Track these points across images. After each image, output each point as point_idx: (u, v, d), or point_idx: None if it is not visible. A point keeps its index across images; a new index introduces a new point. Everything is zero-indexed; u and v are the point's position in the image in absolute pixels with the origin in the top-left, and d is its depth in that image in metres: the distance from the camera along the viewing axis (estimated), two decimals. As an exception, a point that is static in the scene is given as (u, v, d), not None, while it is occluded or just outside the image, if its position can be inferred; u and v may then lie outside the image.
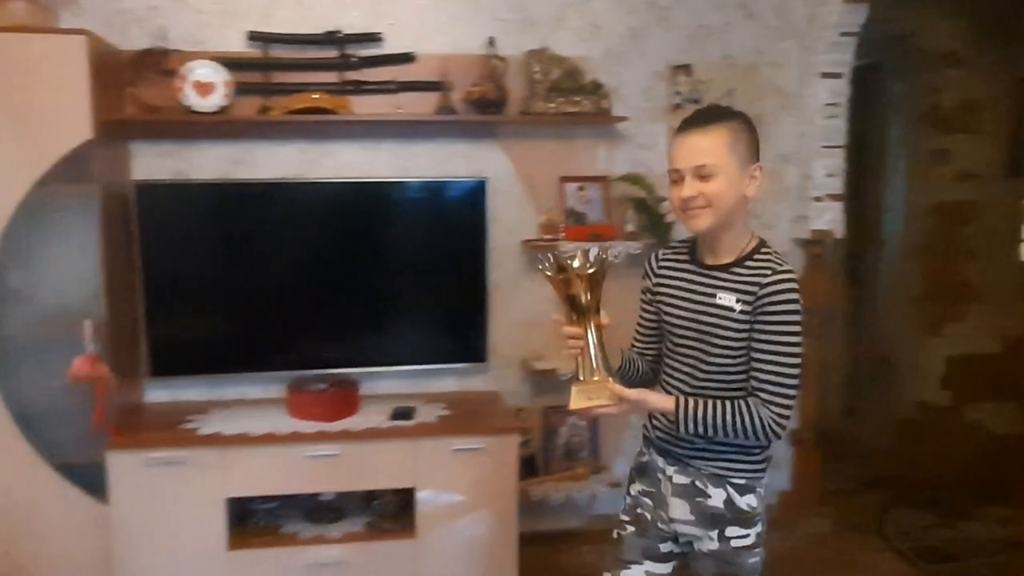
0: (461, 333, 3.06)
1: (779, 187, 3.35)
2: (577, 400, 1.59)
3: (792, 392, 1.57)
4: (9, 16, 2.53)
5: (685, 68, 3.20)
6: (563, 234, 3.03)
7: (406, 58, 2.99)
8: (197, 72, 2.72)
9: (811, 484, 3.49)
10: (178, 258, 2.84)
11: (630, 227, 3.15)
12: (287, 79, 2.92)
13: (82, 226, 2.64)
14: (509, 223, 3.13)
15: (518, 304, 3.19)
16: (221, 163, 2.97)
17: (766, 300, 1.55)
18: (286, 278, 2.92)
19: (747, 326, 1.58)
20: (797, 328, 1.56)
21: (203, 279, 2.89)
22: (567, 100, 2.97)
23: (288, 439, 2.66)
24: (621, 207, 3.17)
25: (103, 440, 2.59)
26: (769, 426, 1.56)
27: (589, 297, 1.57)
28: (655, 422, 1.78)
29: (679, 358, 1.71)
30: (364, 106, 2.96)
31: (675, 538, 1.78)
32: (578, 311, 1.59)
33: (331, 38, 2.93)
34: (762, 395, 1.57)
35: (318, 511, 2.87)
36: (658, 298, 1.76)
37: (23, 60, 2.49)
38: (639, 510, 1.82)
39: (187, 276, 2.85)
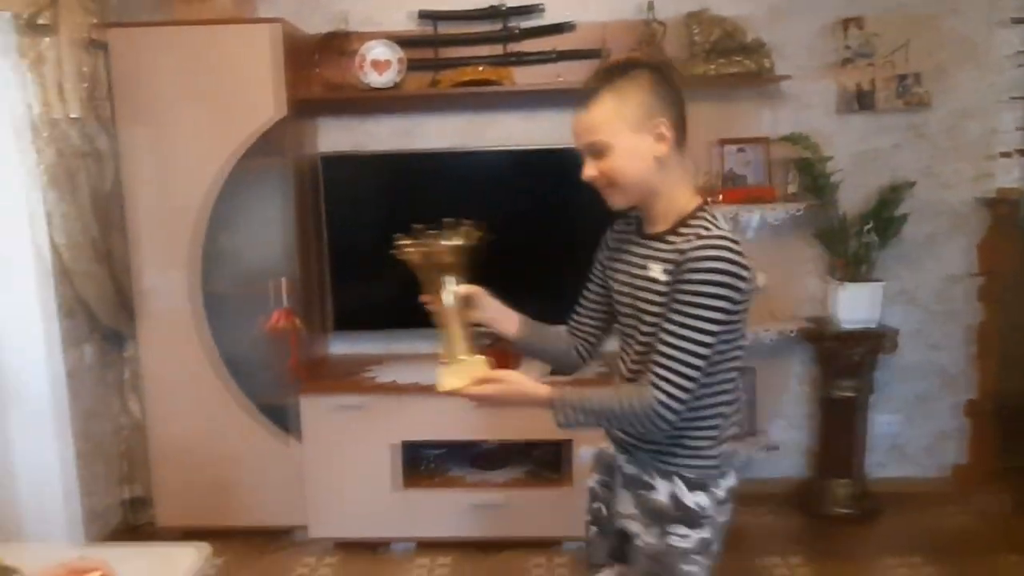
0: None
1: (959, 143, 3.14)
2: (444, 381, 1.48)
3: (686, 378, 1.34)
4: (215, 10, 2.87)
5: (856, 20, 3.06)
6: (720, 197, 3.02)
7: (566, 27, 3.08)
8: (374, 51, 2.95)
9: (987, 459, 3.30)
10: (358, 223, 3.12)
11: (792, 189, 3.08)
12: (454, 54, 3.09)
13: (276, 195, 2.97)
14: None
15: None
16: (395, 134, 3.22)
17: (684, 268, 1.34)
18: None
19: (667, 296, 1.39)
20: (714, 304, 1.32)
21: (381, 242, 3.13)
22: (727, 61, 2.94)
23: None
24: (782, 169, 3.11)
25: (296, 385, 2.93)
26: (649, 414, 1.35)
27: (451, 274, 1.49)
28: None
29: (623, 336, 1.56)
30: (525, 76, 3.08)
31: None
32: (439, 289, 1.50)
33: (494, 12, 3.07)
34: (652, 375, 1.36)
35: (482, 458, 3.09)
36: (608, 272, 1.60)
37: (226, 48, 2.82)
38: (596, 504, 1.65)
39: (366, 239, 3.11)
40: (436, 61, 3.09)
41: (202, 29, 2.80)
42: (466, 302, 1.53)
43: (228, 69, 2.83)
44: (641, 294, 1.45)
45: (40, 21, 2.47)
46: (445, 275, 1.49)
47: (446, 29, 3.10)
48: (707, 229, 1.37)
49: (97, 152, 2.81)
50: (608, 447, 1.61)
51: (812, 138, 2.99)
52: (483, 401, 1.50)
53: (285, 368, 2.94)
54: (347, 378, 3.04)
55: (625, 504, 1.53)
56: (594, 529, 1.65)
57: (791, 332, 3.07)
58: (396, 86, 2.98)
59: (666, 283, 1.38)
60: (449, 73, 3.02)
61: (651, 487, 1.48)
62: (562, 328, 1.70)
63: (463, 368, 1.47)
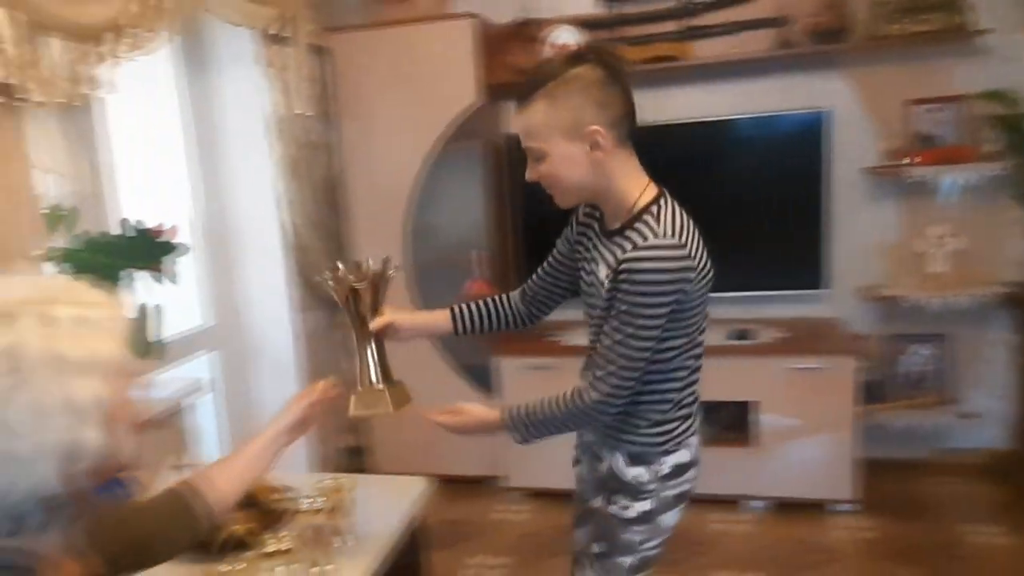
0: (799, 260, 3.16)
1: None
2: (355, 408, 1.56)
3: (623, 379, 1.39)
4: (417, 8, 3.19)
5: (1065, -36, 2.87)
6: (917, 159, 2.95)
7: (743, -2, 3.12)
8: (557, 36, 3.15)
9: None
10: (543, 197, 3.34)
11: (989, 148, 2.95)
12: (633, 32, 3.23)
13: (472, 175, 3.25)
14: (849, 151, 3.12)
15: (860, 231, 3.19)
16: (576, 114, 3.40)
17: (622, 273, 1.36)
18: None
19: (608, 300, 1.43)
20: (648, 312, 1.35)
21: (564, 215, 3.36)
22: (915, 19, 2.87)
23: (638, 353, 3.04)
24: (979, 127, 2.99)
25: (492, 348, 3.22)
26: (589, 412, 1.42)
27: (365, 306, 1.54)
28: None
29: (588, 329, 1.58)
30: (701, 49, 3.16)
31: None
32: (356, 320, 1.56)
33: (672, -12, 3.17)
34: (592, 374, 1.43)
35: (664, 419, 3.23)
36: (574, 255, 1.62)
37: (428, 44, 3.13)
38: (575, 468, 1.77)
39: (552, 213, 3.34)
40: (616, 40, 3.24)
41: (407, 28, 3.13)
42: (384, 333, 1.58)
43: (430, 62, 3.14)
44: (591, 289, 1.50)
45: (273, 31, 2.88)
46: (360, 309, 1.55)
47: (625, 10, 3.24)
48: (643, 237, 1.37)
49: (322, 144, 3.22)
50: None
51: (1012, 94, 2.85)
52: (449, 429, 1.60)
53: (481, 332, 3.24)
54: (536, 341, 3.29)
55: (584, 469, 1.66)
56: (576, 490, 1.76)
57: (990, 297, 2.95)
58: (579, 68, 3.16)
59: (608, 288, 1.41)
60: (629, 51, 3.16)
61: (600, 458, 1.57)
62: (512, 295, 1.77)
63: (372, 396, 1.55)
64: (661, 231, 1.37)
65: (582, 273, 1.56)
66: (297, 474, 2.77)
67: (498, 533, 3.05)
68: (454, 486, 3.36)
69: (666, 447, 1.51)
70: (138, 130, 2.67)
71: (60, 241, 2.03)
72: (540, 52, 3.17)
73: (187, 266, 2.98)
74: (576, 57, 1.38)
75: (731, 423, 3.11)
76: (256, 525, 1.77)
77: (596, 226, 1.54)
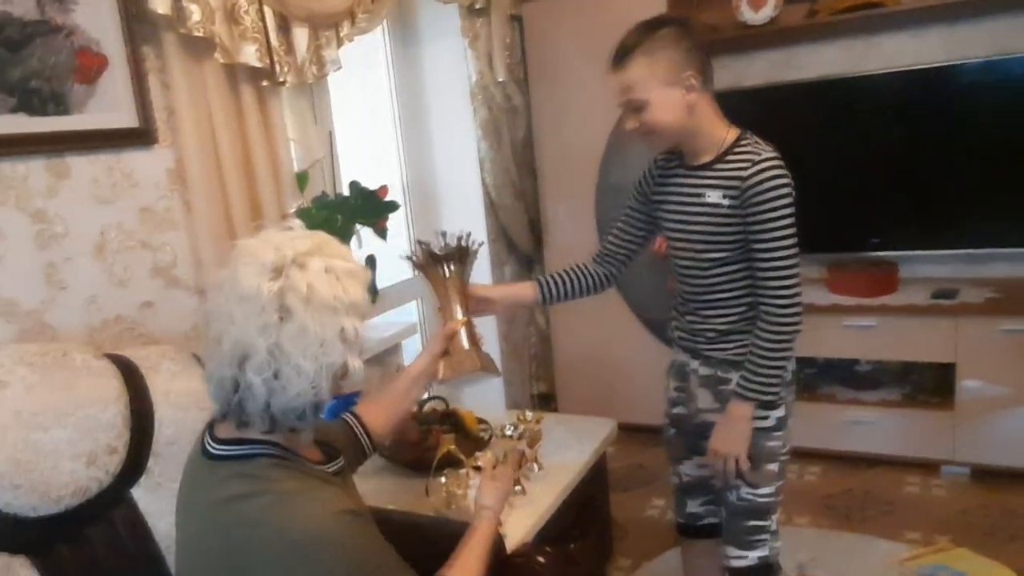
0: (1017, 216, 2.94)
1: None
2: (444, 371, 1.61)
3: (793, 278, 1.54)
4: (607, -28, 3.27)
5: None
6: None
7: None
8: (750, -10, 3.11)
9: None
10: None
11: None
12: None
13: (659, 133, 3.32)
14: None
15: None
16: (767, 69, 3.35)
17: (751, 192, 1.52)
18: (830, 168, 3.19)
19: (738, 220, 1.56)
20: (787, 212, 1.52)
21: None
22: None
23: (827, 310, 3.00)
24: None
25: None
26: (787, 327, 1.55)
27: (454, 277, 1.63)
28: (675, 323, 1.82)
29: (681, 262, 1.72)
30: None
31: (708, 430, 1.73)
32: (445, 291, 1.64)
33: (875, -69, 3.01)
34: (766, 288, 1.56)
35: (853, 379, 3.18)
36: (655, 205, 1.76)
37: (617, 7, 3.20)
38: (675, 409, 1.87)
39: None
40: (814, -10, 3.14)
41: (597, -8, 3.23)
42: (478, 304, 1.71)
43: (618, 25, 3.20)
44: (700, 218, 1.62)
45: (478, 6, 3.09)
46: (447, 280, 1.64)
47: (823, -43, 3.13)
48: (758, 154, 1.54)
49: (515, 108, 3.42)
50: (679, 356, 1.82)
51: None
52: (724, 450, 1.66)
53: (666, 287, 3.33)
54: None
55: (704, 400, 1.74)
56: (672, 431, 1.89)
57: None
58: (772, 21, 3.11)
59: (730, 206, 1.56)
60: (827, 1, 3.06)
61: (727, 380, 1.68)
62: (585, 263, 1.89)
63: (461, 357, 1.62)
64: (765, 149, 1.57)
65: (671, 209, 1.70)
66: (495, 411, 3.06)
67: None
68: (636, 434, 3.52)
69: (799, 329, 1.63)
70: (355, 102, 3.00)
71: (302, 202, 2.38)
72: (730, 7, 3.15)
73: (396, 222, 3.33)
74: (656, 22, 1.58)
75: (932, 386, 2.99)
76: (464, 447, 2.03)
77: (678, 167, 1.70)
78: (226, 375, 1.04)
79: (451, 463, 1.94)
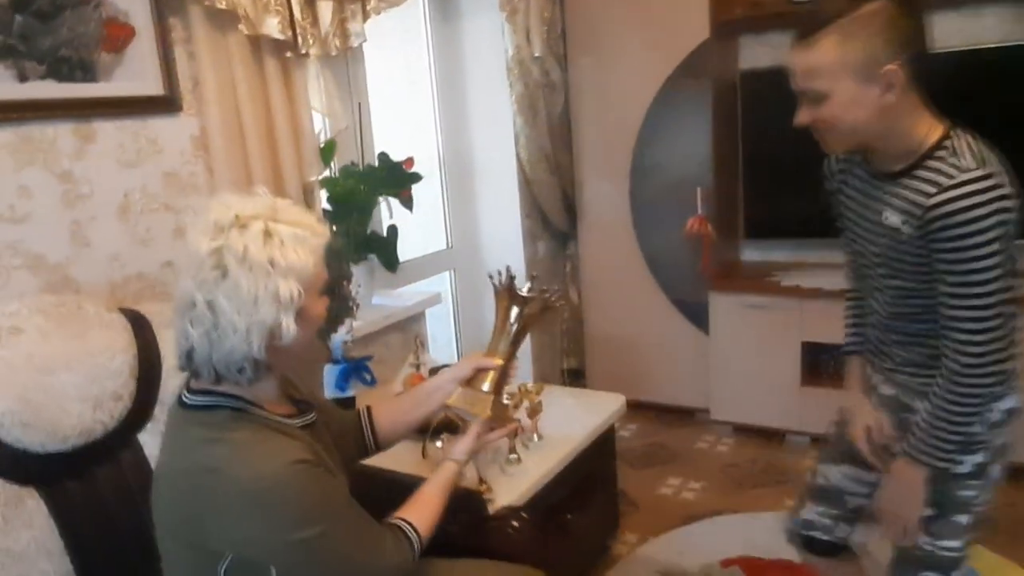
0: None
1: None
2: (455, 399, 1.53)
3: (989, 327, 1.24)
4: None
5: None
6: None
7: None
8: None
9: None
10: (773, 136, 3.26)
11: None
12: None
13: (697, 112, 3.27)
14: None
15: None
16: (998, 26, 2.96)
17: (935, 225, 1.23)
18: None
19: (920, 248, 1.28)
20: (983, 253, 1.20)
21: (794, 155, 3.26)
22: None
23: (859, 298, 2.93)
24: None
25: (706, 284, 3.28)
26: (970, 381, 1.27)
27: (520, 325, 1.54)
28: (870, 320, 1.53)
29: (870, 279, 1.45)
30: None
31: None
32: (502, 331, 1.55)
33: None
34: (950, 339, 1.28)
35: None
36: (838, 202, 1.51)
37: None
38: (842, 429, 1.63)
39: (780, 152, 3.27)
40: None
41: (638, -36, 3.20)
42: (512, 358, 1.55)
43: (664, 2, 3.19)
44: (881, 240, 1.37)
45: (519, -21, 3.10)
46: (517, 327, 1.55)
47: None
48: (949, 176, 1.23)
49: (552, 83, 3.42)
50: (866, 356, 1.59)
51: None
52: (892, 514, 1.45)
53: (698, 269, 3.31)
54: (754, 280, 3.28)
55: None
56: (835, 429, 1.67)
57: None
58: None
59: (910, 236, 1.29)
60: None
61: (910, 408, 1.43)
62: (853, 290, 1.65)
63: (479, 399, 1.52)
64: (963, 164, 1.24)
65: (851, 217, 1.47)
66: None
67: (702, 460, 3.17)
68: (662, 414, 3.53)
69: (995, 391, 1.34)
70: (396, 75, 3.07)
71: (327, 171, 2.46)
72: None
73: (433, 195, 3.40)
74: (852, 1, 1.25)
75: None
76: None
77: (861, 171, 1.43)
78: (178, 326, 1.13)
79: (449, 428, 2.00)
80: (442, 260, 3.40)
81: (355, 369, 2.23)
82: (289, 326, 1.11)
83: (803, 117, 1.33)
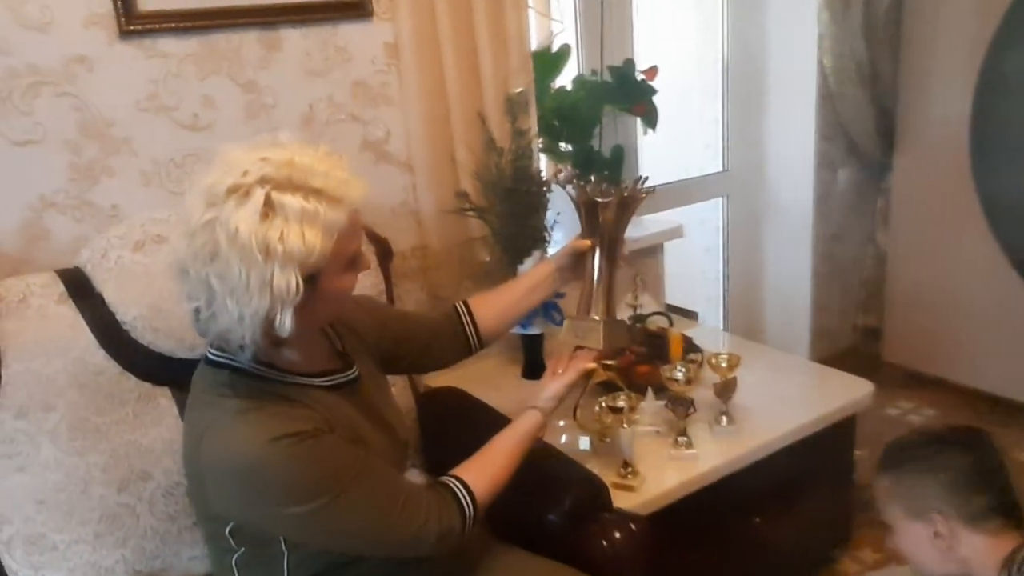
0: None
1: None
2: (565, 333, 1.43)
3: None
4: None
5: None
6: None
7: None
8: None
9: None
10: None
11: None
12: None
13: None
14: None
15: None
16: None
17: None
18: None
19: None
20: None
21: None
22: None
23: None
24: None
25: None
26: None
27: (607, 227, 1.40)
28: None
29: None
30: None
31: None
32: (595, 238, 1.42)
33: None
34: None
35: None
36: None
37: None
38: None
39: None
40: None
41: None
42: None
43: None
44: None
45: None
46: (606, 227, 1.40)
47: None
48: None
49: (879, -33, 2.68)
50: None
51: None
52: None
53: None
54: None
55: None
56: None
57: None
58: None
59: None
60: None
61: None
62: None
63: (587, 327, 1.41)
64: None
65: None
66: (713, 334, 2.58)
67: (1021, 475, 2.40)
68: (976, 401, 2.79)
69: None
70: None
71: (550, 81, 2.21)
72: None
73: (712, 109, 2.94)
74: (934, 437, 1.30)
75: None
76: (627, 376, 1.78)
77: None
78: (177, 286, 1.02)
79: (610, 390, 1.71)
80: (714, 184, 2.97)
81: (544, 309, 2.02)
82: (284, 321, 0.95)
83: (888, 542, 1.32)
